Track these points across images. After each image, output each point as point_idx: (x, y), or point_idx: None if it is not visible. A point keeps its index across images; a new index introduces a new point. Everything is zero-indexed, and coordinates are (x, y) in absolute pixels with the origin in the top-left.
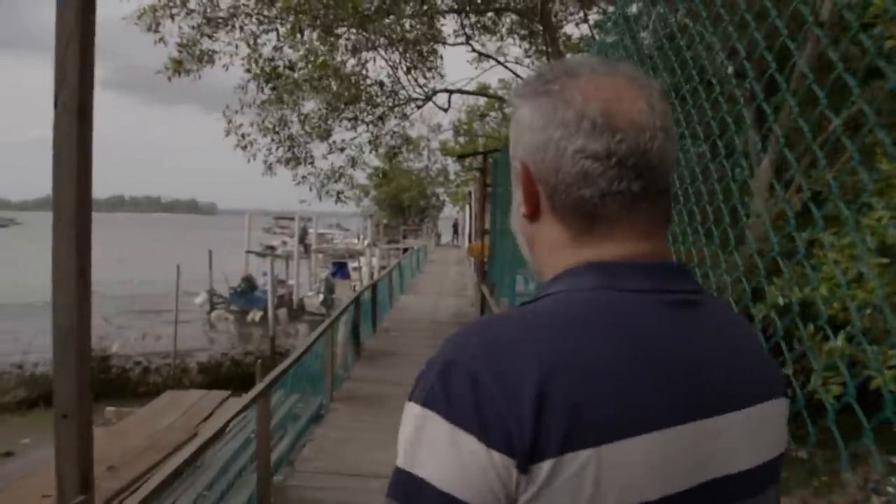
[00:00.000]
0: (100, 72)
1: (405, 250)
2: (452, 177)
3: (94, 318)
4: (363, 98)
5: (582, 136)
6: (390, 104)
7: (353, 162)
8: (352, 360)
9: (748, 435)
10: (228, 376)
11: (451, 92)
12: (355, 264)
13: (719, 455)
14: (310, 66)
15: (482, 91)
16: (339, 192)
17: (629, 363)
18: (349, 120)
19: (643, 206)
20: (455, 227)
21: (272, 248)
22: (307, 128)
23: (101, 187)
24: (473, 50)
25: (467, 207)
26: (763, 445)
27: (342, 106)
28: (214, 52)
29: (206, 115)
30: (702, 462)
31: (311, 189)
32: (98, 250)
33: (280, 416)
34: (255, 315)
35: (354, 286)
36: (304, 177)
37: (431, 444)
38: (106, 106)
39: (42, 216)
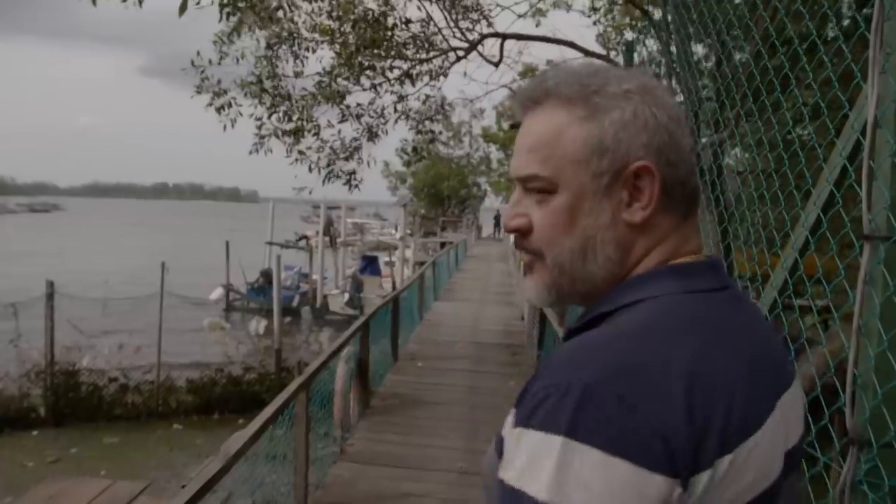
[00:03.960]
0: (142, 59)
1: (443, 244)
2: (495, 165)
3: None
4: (386, 44)
5: (686, 132)
6: (422, 55)
7: (372, 133)
8: (357, 414)
9: (794, 410)
10: (224, 397)
11: (504, 37)
12: (387, 259)
13: (788, 430)
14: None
15: (546, 37)
16: (350, 174)
17: (740, 368)
18: (368, 76)
19: None
20: (497, 219)
21: (306, 237)
22: (313, 90)
23: (145, 175)
24: None
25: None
26: (798, 418)
27: (359, 56)
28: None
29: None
30: (782, 440)
31: (311, 169)
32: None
33: None
34: (259, 325)
35: (384, 284)
36: (301, 152)
37: (581, 475)
38: (151, 94)
39: (86, 202)
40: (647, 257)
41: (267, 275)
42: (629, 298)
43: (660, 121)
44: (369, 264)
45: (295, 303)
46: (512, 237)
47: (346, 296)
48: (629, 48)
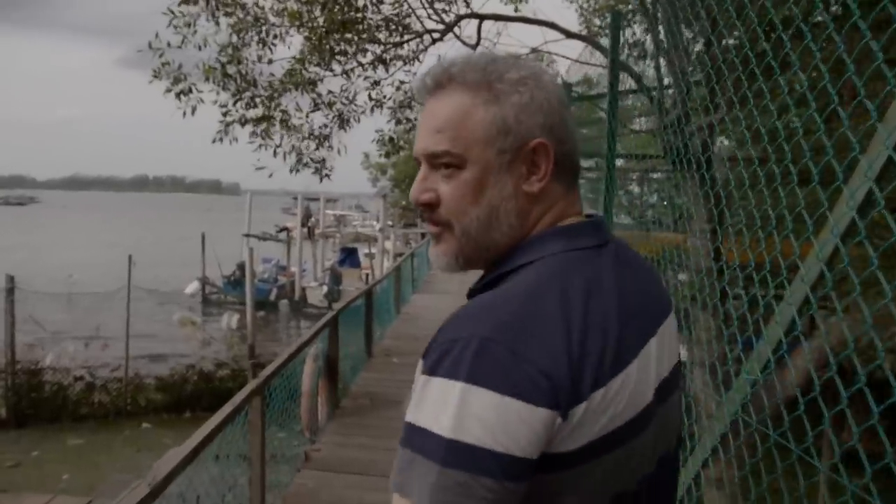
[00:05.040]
0: (121, 51)
1: (423, 235)
2: None
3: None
4: (358, 27)
5: (569, 113)
6: (396, 39)
7: (343, 120)
8: (326, 416)
9: (666, 343)
10: (195, 394)
11: (482, 18)
12: (367, 251)
13: (659, 363)
14: None
15: (527, 18)
16: (320, 162)
17: (614, 313)
18: (339, 61)
19: None
20: None
21: (286, 229)
22: (282, 79)
23: (125, 167)
24: None
25: None
26: (672, 349)
27: (329, 40)
28: None
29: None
30: (654, 372)
31: (275, 153)
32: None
33: None
34: (231, 319)
35: (366, 275)
36: (260, 135)
37: (479, 412)
38: (131, 85)
39: (64, 195)
40: (540, 222)
41: (244, 268)
42: (523, 260)
43: (551, 104)
44: (348, 256)
45: (272, 296)
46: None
47: (325, 288)
48: (615, 21)
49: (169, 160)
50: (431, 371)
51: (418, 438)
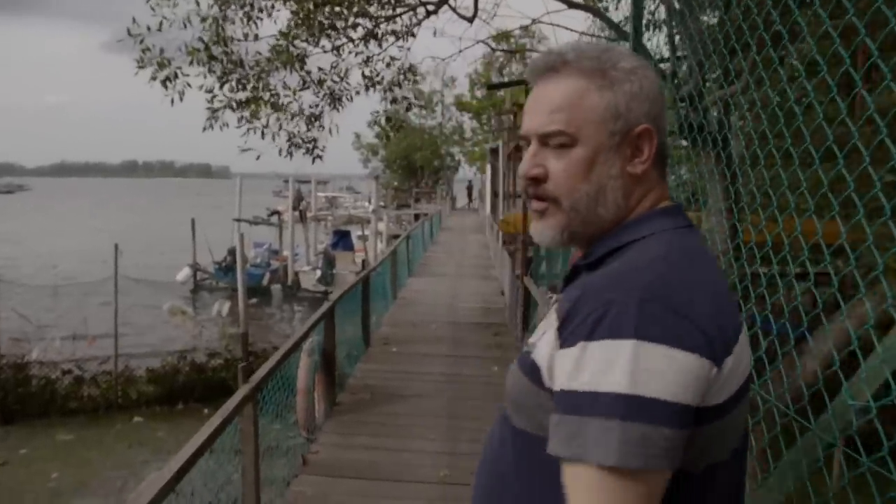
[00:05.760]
0: (105, 35)
1: (417, 216)
2: (469, 134)
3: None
4: (348, 1)
5: (666, 105)
6: (388, 12)
7: (334, 98)
8: (324, 413)
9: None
10: (188, 386)
11: None
12: (360, 233)
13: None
14: None
15: None
16: (311, 142)
17: (723, 283)
18: (328, 36)
19: None
20: (469, 189)
21: (278, 212)
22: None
23: (114, 153)
24: None
25: (488, 167)
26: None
27: (318, 14)
28: None
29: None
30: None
31: (263, 135)
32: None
33: None
34: (222, 307)
35: (361, 259)
36: (250, 120)
37: (653, 366)
38: (117, 70)
39: (52, 182)
40: (640, 203)
41: (235, 253)
42: (634, 235)
43: (656, 94)
44: (341, 239)
45: (265, 281)
46: (489, 210)
47: (318, 272)
48: None
49: (158, 145)
50: (588, 336)
51: (587, 402)
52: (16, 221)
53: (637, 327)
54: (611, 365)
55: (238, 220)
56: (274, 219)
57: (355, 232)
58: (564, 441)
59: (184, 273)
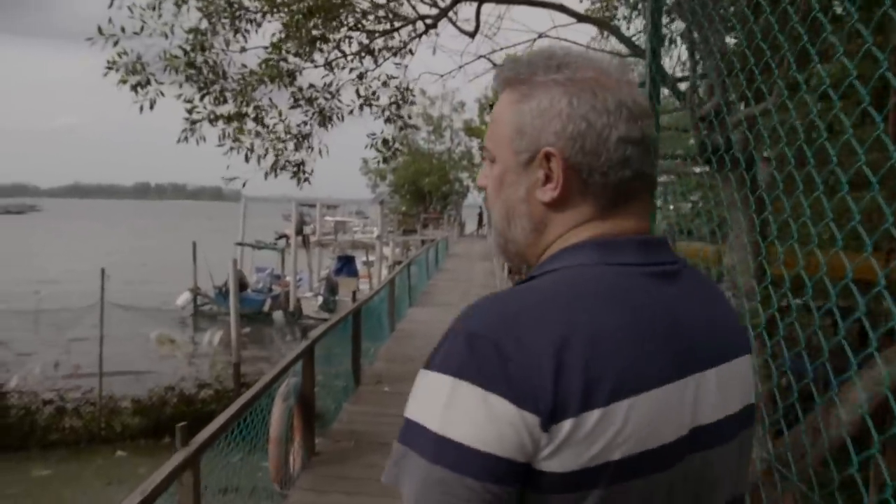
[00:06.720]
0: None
1: (423, 242)
2: (477, 160)
3: None
4: (342, 11)
5: (623, 123)
6: (384, 27)
7: (324, 117)
8: (301, 463)
9: (721, 389)
10: (175, 418)
11: (481, 0)
12: (365, 259)
13: (700, 407)
14: None
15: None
16: (298, 165)
17: (630, 332)
18: (321, 50)
19: (652, 186)
20: (480, 215)
21: (286, 236)
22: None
23: (127, 175)
24: None
25: None
26: (733, 397)
27: (310, 25)
28: None
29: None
30: (688, 413)
31: (247, 158)
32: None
33: None
34: (213, 336)
35: (362, 286)
36: (237, 139)
37: (465, 409)
38: (128, 92)
39: (65, 203)
40: (570, 233)
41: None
42: (550, 266)
43: (576, 110)
44: (345, 265)
45: (266, 307)
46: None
47: (320, 298)
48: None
49: (170, 167)
50: (427, 364)
51: (411, 432)
52: (17, 244)
53: (461, 364)
54: (432, 399)
55: (241, 245)
56: (281, 242)
57: (360, 257)
58: (391, 463)
59: (184, 297)
